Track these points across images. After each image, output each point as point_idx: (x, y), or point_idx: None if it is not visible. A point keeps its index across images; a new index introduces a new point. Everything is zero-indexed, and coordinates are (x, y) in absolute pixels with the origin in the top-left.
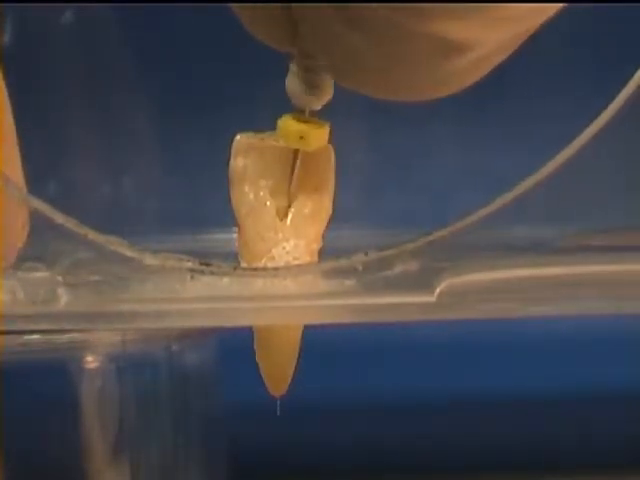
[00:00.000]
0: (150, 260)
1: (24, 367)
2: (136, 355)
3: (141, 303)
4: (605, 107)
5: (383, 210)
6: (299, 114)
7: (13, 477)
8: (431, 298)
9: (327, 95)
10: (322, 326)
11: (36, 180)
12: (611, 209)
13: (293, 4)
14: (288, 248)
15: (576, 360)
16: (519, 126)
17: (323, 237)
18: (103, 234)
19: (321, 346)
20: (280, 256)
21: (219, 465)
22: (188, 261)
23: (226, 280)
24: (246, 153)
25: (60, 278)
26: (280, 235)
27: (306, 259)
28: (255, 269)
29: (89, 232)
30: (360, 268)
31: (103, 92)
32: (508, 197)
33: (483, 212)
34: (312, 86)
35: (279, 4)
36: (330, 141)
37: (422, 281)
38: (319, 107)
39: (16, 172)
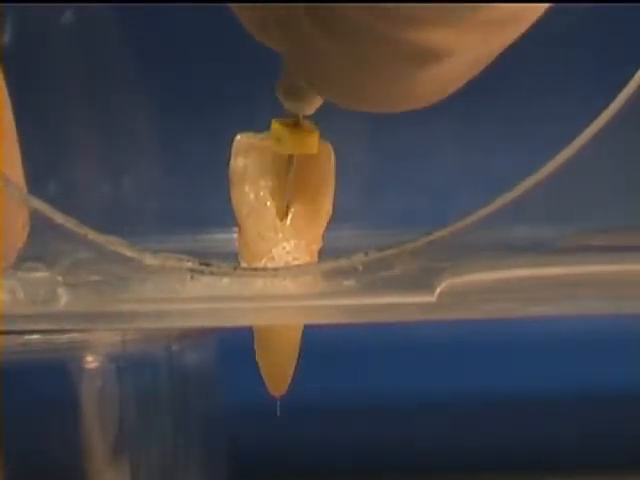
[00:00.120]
0: (150, 260)
1: (24, 367)
2: (136, 355)
3: (141, 303)
4: (605, 107)
5: (383, 210)
6: (291, 119)
7: (13, 477)
8: (431, 298)
9: (316, 101)
10: (322, 326)
11: (36, 180)
12: (611, 209)
13: (269, 11)
14: (288, 248)
15: (576, 360)
16: (519, 126)
17: (323, 237)
18: (103, 234)
19: (321, 346)
20: (280, 256)
21: (219, 465)
22: (188, 261)
23: (226, 280)
24: (246, 153)
25: (60, 278)
26: (280, 235)
27: (306, 259)
28: (255, 269)
29: (89, 232)
30: (360, 268)
31: (103, 92)
32: (508, 197)
33: (483, 212)
34: (297, 93)
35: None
36: (330, 141)
37: (422, 281)
38: (310, 112)
39: (16, 172)
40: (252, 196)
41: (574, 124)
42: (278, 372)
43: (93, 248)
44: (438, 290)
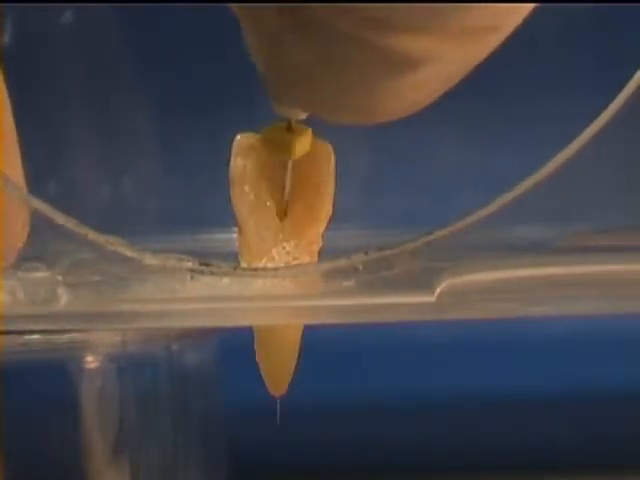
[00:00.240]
0: (150, 260)
1: (24, 367)
2: (136, 355)
3: (141, 303)
4: (605, 107)
5: (383, 210)
6: (281, 123)
7: (13, 477)
8: (431, 298)
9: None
10: (322, 326)
11: (36, 180)
12: (611, 209)
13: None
14: (288, 248)
15: (576, 360)
16: (519, 126)
17: (323, 237)
18: (103, 234)
19: (321, 346)
20: (280, 256)
21: (219, 465)
22: (188, 261)
23: (226, 280)
24: (246, 153)
25: (60, 278)
26: (280, 235)
27: (306, 259)
28: (255, 269)
29: (89, 232)
30: (360, 268)
31: (103, 92)
32: (508, 197)
33: (483, 212)
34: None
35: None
36: (330, 141)
37: (422, 281)
38: (303, 117)
39: (16, 172)
40: (252, 196)
41: (574, 124)
42: (278, 372)
43: (93, 248)
44: (438, 290)
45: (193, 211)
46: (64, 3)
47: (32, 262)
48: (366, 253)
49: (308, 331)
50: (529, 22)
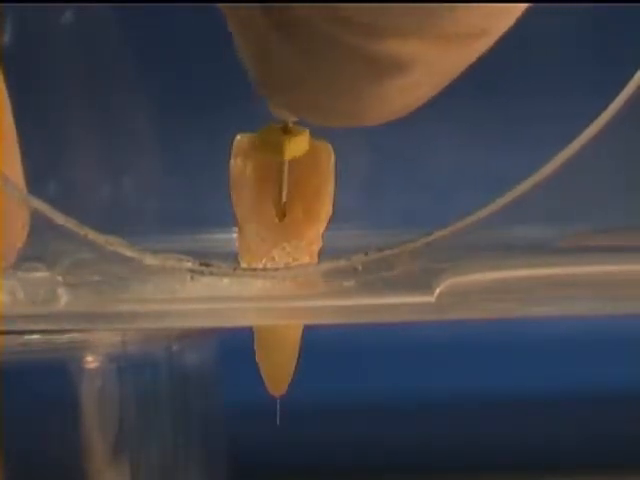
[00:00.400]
0: (150, 260)
1: (24, 367)
2: (136, 355)
3: (141, 303)
4: (605, 107)
5: (383, 210)
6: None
7: (13, 477)
8: (431, 298)
9: None
10: (322, 326)
11: (36, 180)
12: (611, 209)
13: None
14: (288, 249)
15: (576, 360)
16: (519, 126)
17: (323, 237)
18: (103, 234)
19: (321, 346)
20: (280, 257)
21: (219, 465)
22: (188, 261)
23: (226, 280)
24: (246, 153)
25: (60, 278)
26: (280, 236)
27: (306, 260)
28: (255, 270)
29: (89, 232)
30: (360, 268)
31: (103, 92)
32: (508, 197)
33: (483, 212)
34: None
35: (238, 20)
36: (330, 141)
37: (422, 281)
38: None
39: (16, 172)
40: (252, 196)
41: (574, 124)
42: (278, 372)
43: (93, 248)
44: (438, 290)
45: (193, 211)
46: (64, 3)
47: (32, 262)
48: (366, 253)
49: (308, 331)
50: (529, 22)
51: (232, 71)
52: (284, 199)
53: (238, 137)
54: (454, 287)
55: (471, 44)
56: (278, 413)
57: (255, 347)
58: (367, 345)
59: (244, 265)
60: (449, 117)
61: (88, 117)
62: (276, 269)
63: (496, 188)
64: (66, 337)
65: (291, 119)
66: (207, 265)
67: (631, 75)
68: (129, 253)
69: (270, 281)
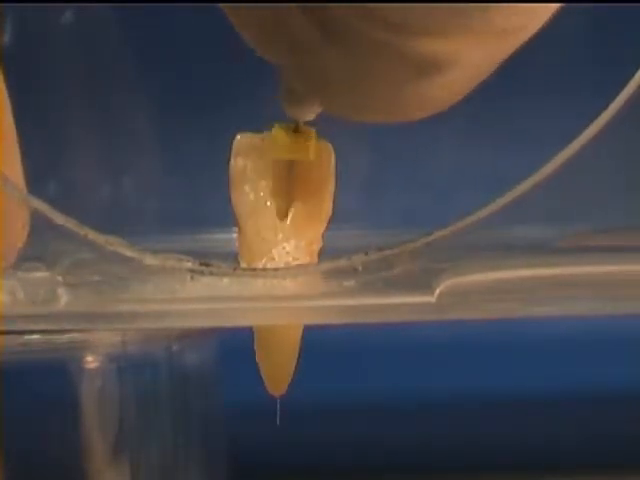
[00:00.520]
0: (150, 260)
1: (24, 367)
2: (136, 355)
3: (141, 303)
4: (605, 107)
5: (383, 210)
6: (291, 123)
7: (13, 477)
8: (431, 298)
9: (317, 107)
10: (322, 326)
11: (36, 180)
12: (611, 209)
13: (272, 17)
14: (288, 248)
15: (576, 360)
16: (519, 126)
17: (323, 237)
18: (103, 234)
19: (321, 346)
20: (280, 257)
21: (219, 465)
22: (188, 261)
23: (226, 280)
24: (246, 153)
25: (60, 278)
26: (280, 235)
27: (306, 260)
28: (255, 269)
29: (89, 232)
30: (360, 268)
31: (103, 92)
32: (508, 197)
33: (483, 212)
34: (299, 100)
35: (274, 21)
36: (330, 141)
37: (422, 281)
38: (312, 118)
39: (16, 172)
40: (252, 196)
41: (574, 124)
42: (278, 372)
43: (93, 248)
44: (438, 290)
45: (193, 211)
46: (64, 3)
47: (32, 262)
48: (366, 253)
49: (308, 331)
50: None
51: (232, 71)
52: (284, 199)
53: (238, 137)
54: (454, 287)
55: (509, 39)
56: (278, 413)
57: (255, 347)
58: (367, 345)
59: (244, 265)
60: (449, 117)
61: (88, 117)
62: (276, 269)
63: (496, 188)
64: (66, 337)
65: (304, 118)
66: (207, 265)
67: (631, 75)
68: (129, 253)
69: (270, 281)
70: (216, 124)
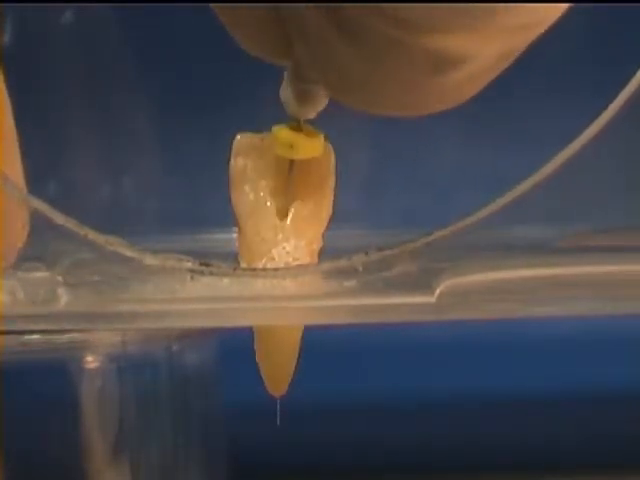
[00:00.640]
0: (150, 260)
1: (24, 367)
2: (136, 355)
3: (141, 303)
4: (605, 107)
5: (383, 210)
6: (293, 123)
7: (13, 477)
8: (431, 299)
9: (320, 105)
10: (322, 326)
11: (36, 180)
12: (611, 209)
13: (288, 16)
14: (288, 249)
15: (576, 360)
16: (520, 126)
17: (323, 237)
18: (103, 234)
19: (321, 346)
20: (280, 257)
21: (219, 465)
22: (188, 261)
23: (226, 280)
24: (246, 153)
25: (60, 278)
26: (280, 236)
27: (306, 260)
28: (255, 270)
29: (89, 232)
30: (360, 268)
31: (103, 92)
32: (508, 197)
33: (483, 212)
34: (305, 97)
35: (271, 20)
36: (330, 140)
37: (422, 282)
38: (313, 116)
39: (16, 172)
40: (252, 196)
41: (574, 124)
42: (278, 372)
43: (93, 248)
44: (438, 291)
45: (193, 211)
46: (64, 3)
47: (32, 262)
48: (366, 253)
49: (308, 331)
50: None
51: (232, 71)
52: (284, 199)
53: (238, 137)
54: (454, 287)
55: (524, 35)
56: (278, 413)
57: (255, 347)
58: (367, 345)
59: (244, 265)
60: (449, 117)
61: (88, 117)
62: (276, 269)
63: (496, 188)
64: (66, 337)
65: (306, 117)
66: (207, 265)
67: (631, 75)
68: (129, 253)
69: (270, 281)
70: (216, 124)
